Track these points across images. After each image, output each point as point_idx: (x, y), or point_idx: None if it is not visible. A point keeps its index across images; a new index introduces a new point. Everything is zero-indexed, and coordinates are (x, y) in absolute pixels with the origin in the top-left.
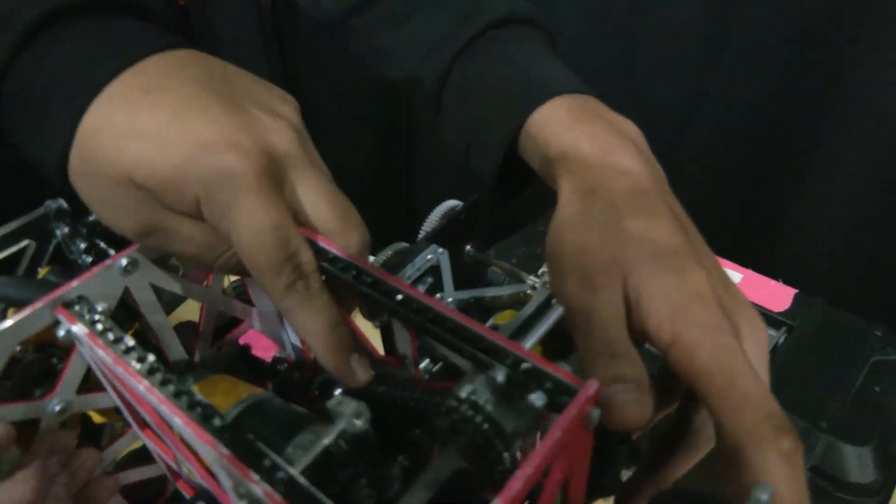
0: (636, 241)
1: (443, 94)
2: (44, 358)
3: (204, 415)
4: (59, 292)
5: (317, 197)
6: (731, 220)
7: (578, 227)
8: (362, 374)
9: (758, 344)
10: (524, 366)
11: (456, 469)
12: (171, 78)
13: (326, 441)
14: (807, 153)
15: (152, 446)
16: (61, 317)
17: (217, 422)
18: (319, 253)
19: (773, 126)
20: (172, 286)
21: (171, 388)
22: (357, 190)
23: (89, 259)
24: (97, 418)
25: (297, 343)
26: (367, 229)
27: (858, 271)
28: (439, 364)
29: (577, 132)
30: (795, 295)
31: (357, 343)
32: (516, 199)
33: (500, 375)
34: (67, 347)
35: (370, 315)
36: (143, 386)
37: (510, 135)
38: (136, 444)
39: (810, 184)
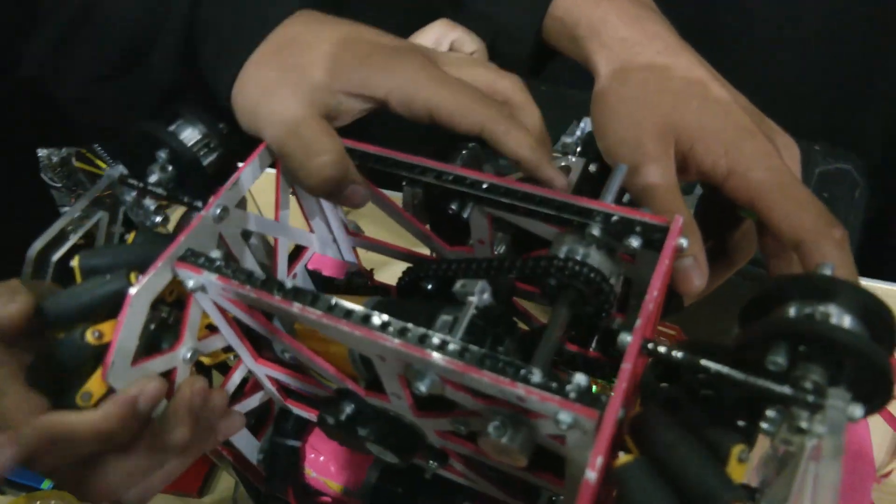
0: (681, 97)
1: None
2: (157, 315)
3: (364, 317)
4: (171, 249)
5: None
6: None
7: (625, 99)
8: None
9: (794, 160)
10: (614, 218)
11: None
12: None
13: (468, 316)
14: None
15: (266, 372)
16: (184, 270)
17: (377, 320)
18: (406, 168)
19: None
20: (249, 224)
21: (322, 303)
22: None
23: (158, 219)
24: (207, 361)
25: (353, 258)
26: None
27: (800, 93)
28: (500, 246)
29: (604, 7)
30: None
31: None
32: (540, 73)
33: (596, 230)
34: (177, 301)
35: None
36: (296, 308)
37: (538, 22)
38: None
39: (765, 8)
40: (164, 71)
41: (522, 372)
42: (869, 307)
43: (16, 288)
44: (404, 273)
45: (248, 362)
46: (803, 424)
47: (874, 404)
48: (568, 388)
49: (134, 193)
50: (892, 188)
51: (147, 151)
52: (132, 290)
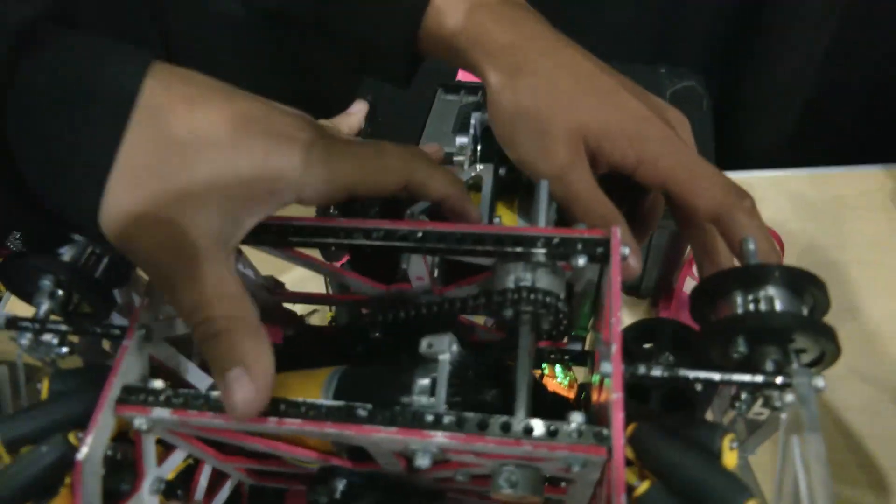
0: (577, 96)
1: (323, 11)
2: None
3: (348, 412)
4: (107, 395)
5: None
6: None
7: (524, 110)
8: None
9: (688, 133)
10: (555, 241)
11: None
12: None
13: (445, 376)
14: None
15: (235, 466)
16: (129, 413)
17: (362, 412)
18: (331, 233)
19: None
20: (176, 329)
21: (298, 409)
22: None
23: (65, 349)
24: (169, 476)
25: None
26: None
27: (634, 21)
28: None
29: (479, 15)
30: None
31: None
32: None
33: (541, 256)
34: (121, 434)
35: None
36: (271, 422)
37: (410, 40)
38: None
39: None
40: None
41: (524, 427)
42: (799, 280)
43: None
44: (349, 329)
45: (214, 463)
46: (777, 403)
47: (826, 363)
48: (570, 429)
49: (29, 335)
50: (725, 89)
51: (24, 283)
52: (80, 456)
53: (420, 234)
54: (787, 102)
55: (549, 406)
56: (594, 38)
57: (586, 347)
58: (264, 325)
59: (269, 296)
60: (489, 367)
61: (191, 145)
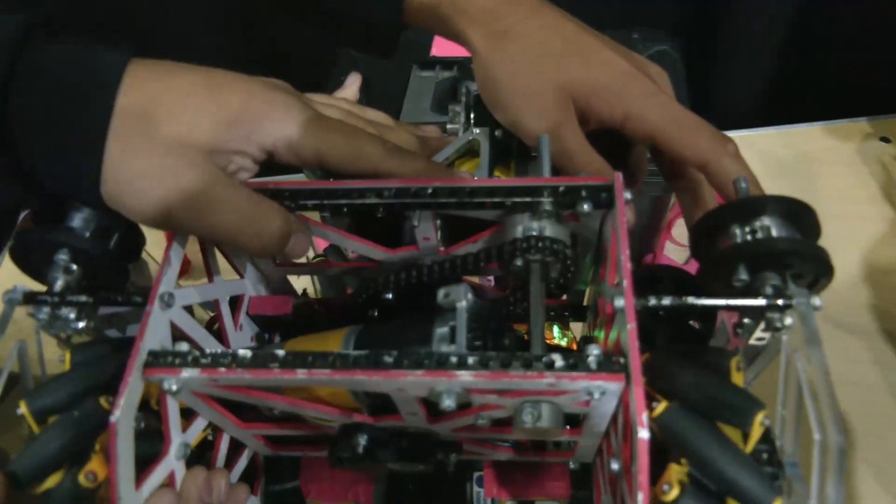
0: (564, 56)
1: None
2: None
3: (375, 360)
4: (135, 359)
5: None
6: None
7: (513, 73)
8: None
9: (668, 86)
10: (561, 189)
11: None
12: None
13: (464, 323)
14: None
15: (253, 433)
16: (158, 375)
17: (388, 358)
18: (344, 195)
19: None
20: (192, 297)
21: (324, 360)
22: None
23: (82, 324)
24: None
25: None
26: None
27: None
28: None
29: None
30: None
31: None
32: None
33: (548, 205)
34: (142, 403)
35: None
36: (300, 374)
37: (397, 13)
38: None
39: None
40: None
41: (545, 360)
42: (791, 208)
43: None
44: (362, 291)
45: (233, 431)
46: (778, 325)
47: (821, 285)
48: (589, 360)
49: (47, 309)
50: (696, 52)
51: (37, 259)
52: (113, 418)
53: (430, 191)
54: (758, 64)
55: None
56: (566, 2)
57: (585, 303)
58: (274, 295)
59: (274, 267)
60: (501, 318)
61: (173, 102)
